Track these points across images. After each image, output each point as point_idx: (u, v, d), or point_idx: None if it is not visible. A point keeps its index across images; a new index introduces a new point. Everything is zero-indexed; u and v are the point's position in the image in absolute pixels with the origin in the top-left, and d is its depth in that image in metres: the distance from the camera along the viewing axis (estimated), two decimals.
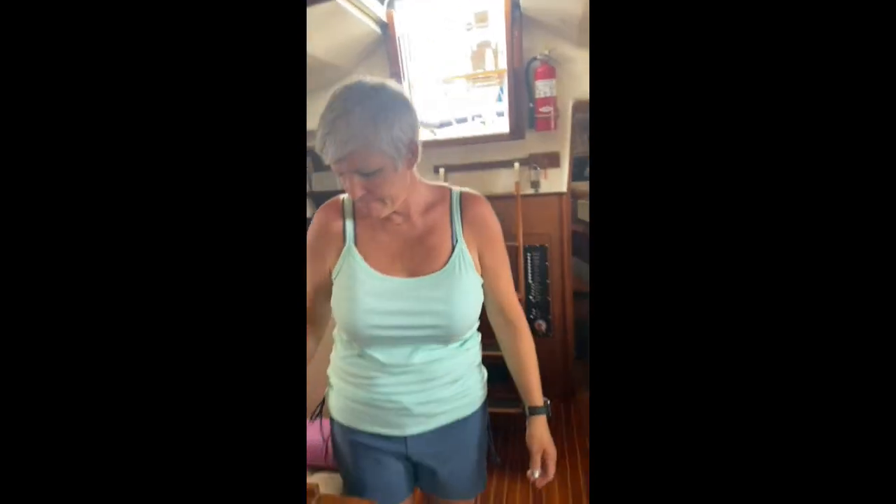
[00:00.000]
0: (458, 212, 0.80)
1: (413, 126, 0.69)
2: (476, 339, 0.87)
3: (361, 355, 0.79)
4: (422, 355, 0.78)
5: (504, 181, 2.13)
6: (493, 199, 2.05)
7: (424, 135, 2.37)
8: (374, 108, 0.64)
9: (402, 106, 0.68)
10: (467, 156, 2.14)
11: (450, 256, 0.77)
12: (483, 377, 0.89)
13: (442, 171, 2.15)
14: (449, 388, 0.81)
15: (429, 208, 0.80)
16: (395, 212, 0.76)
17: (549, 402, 0.88)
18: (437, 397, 0.80)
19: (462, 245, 0.78)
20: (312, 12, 1.45)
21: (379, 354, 0.77)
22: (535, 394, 0.87)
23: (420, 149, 0.72)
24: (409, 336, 0.77)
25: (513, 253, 2.09)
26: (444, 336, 0.77)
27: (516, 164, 2.05)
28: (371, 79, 0.68)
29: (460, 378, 0.83)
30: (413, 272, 0.77)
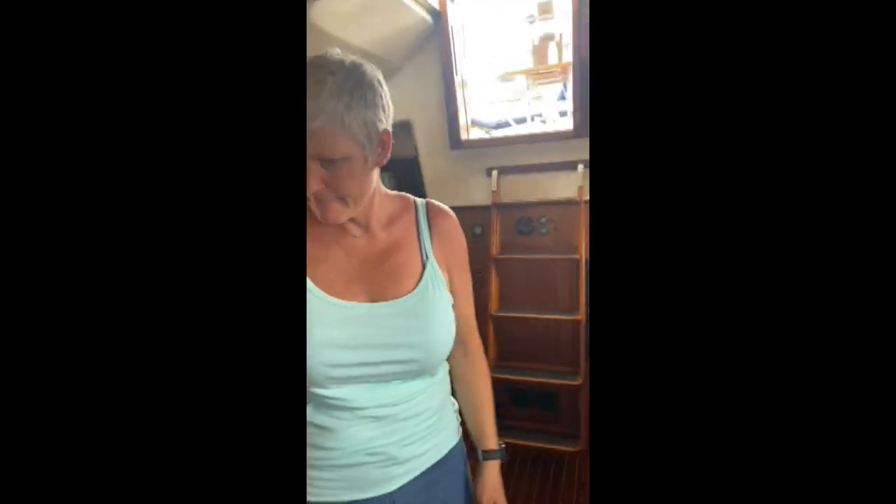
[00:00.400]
0: (426, 224, 0.72)
1: (388, 114, 0.62)
2: (446, 366, 0.79)
3: (324, 404, 0.67)
4: (396, 392, 0.68)
5: (565, 185, 1.94)
6: (553, 205, 1.94)
7: (478, 134, 2.21)
8: (347, 81, 0.56)
9: (378, 88, 0.60)
10: (524, 156, 1.97)
11: (421, 276, 0.68)
12: (455, 406, 0.82)
13: (495, 173, 1.98)
14: (427, 423, 0.73)
15: (392, 220, 0.70)
16: (353, 220, 0.66)
17: (503, 445, 0.82)
18: (419, 436, 0.71)
19: (433, 262, 0.70)
20: None
21: (345, 398, 0.66)
22: (490, 437, 0.81)
23: (391, 145, 0.63)
24: (374, 374, 0.65)
25: (574, 267, 1.89)
26: (416, 371, 0.68)
27: (580, 167, 1.87)
28: (345, 54, 0.60)
29: (438, 411, 0.75)
30: (377, 296, 0.67)
